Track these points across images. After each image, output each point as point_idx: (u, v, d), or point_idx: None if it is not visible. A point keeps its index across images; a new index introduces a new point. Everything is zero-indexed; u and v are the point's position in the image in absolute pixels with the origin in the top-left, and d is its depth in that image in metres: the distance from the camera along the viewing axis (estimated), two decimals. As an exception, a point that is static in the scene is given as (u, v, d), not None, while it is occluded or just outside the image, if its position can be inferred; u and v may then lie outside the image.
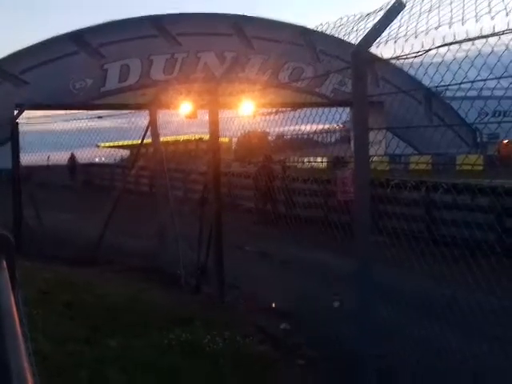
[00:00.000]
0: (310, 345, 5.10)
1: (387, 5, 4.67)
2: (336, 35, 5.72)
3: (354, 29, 5.33)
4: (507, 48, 4.39)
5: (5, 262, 1.90)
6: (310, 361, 4.82)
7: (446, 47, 4.45)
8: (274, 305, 6.90)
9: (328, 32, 5.95)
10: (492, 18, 4.05)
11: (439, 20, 4.38)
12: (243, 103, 9.53)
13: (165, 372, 5.06)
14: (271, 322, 5.99)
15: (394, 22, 4.58)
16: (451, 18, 4.30)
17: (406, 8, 4.54)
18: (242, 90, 9.86)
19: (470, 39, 4.28)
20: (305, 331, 5.45)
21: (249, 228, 10.52)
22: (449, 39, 4.34)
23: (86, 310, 6.66)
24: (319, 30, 6.20)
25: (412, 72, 5.24)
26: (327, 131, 13.55)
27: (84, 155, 16.89)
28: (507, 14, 4.15)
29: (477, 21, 4.17)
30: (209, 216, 7.70)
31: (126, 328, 6.11)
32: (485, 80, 4.62)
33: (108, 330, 5.98)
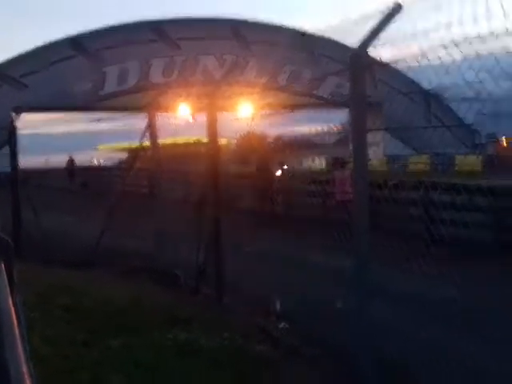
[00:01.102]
0: (310, 344, 5.11)
1: (385, 8, 4.68)
2: (334, 38, 5.75)
3: (353, 32, 5.35)
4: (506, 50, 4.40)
5: (3, 265, 1.90)
6: (309, 360, 4.83)
7: (444, 50, 4.46)
8: (272, 305, 6.91)
9: (327, 35, 5.97)
10: (489, 21, 4.06)
11: (437, 22, 4.39)
12: (242, 106, 9.57)
13: (164, 372, 5.06)
14: (270, 322, 6.00)
15: (393, 24, 4.59)
16: (449, 19, 4.31)
17: (404, 10, 4.55)
18: (240, 93, 9.89)
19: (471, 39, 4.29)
20: (304, 330, 5.46)
21: (248, 229, 10.51)
22: (446, 41, 4.35)
23: (84, 313, 6.66)
24: (318, 32, 6.23)
25: (411, 74, 5.26)
26: (326, 133, 13.56)
27: (83, 158, 16.91)
28: (505, 16, 4.17)
29: (474, 23, 4.18)
30: (208, 217, 7.72)
31: (125, 329, 6.11)
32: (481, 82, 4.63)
33: (107, 331, 5.98)
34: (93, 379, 4.83)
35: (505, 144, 34.73)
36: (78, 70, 36.68)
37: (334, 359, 4.41)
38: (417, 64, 4.79)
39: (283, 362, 4.64)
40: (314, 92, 37.45)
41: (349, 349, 4.13)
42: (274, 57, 36.02)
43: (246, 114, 9.69)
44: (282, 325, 5.68)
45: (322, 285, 6.38)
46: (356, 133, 4.57)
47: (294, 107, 33.47)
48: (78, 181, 29.98)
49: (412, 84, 34.22)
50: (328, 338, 4.89)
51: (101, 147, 42.60)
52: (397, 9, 4.62)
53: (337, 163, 13.96)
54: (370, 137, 4.96)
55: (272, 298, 6.73)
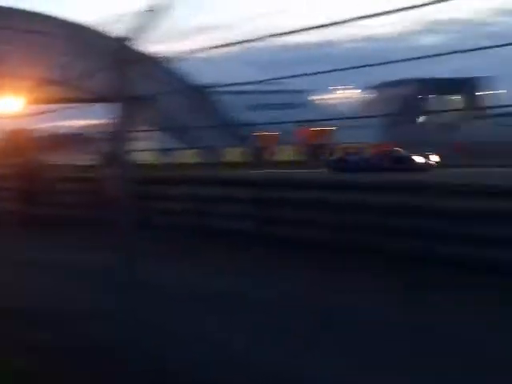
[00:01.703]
0: (76, 351, 4.91)
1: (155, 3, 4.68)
2: (107, 31, 5.62)
3: (124, 26, 5.31)
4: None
5: None
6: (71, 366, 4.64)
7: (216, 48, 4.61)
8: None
9: (100, 28, 5.83)
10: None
11: (207, 20, 4.52)
12: (6, 100, 8.94)
13: None
14: (28, 332, 5.54)
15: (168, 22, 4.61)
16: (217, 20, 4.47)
17: (176, 8, 4.58)
18: (4, 86, 9.25)
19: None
20: (62, 337, 5.21)
21: (6, 231, 9.74)
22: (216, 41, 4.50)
23: None
24: (90, 25, 6.04)
25: (182, 70, 5.35)
26: (96, 127, 13.24)
27: None
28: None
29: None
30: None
31: None
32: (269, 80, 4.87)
33: None
34: None
35: (266, 136, 37.61)
36: None
37: (92, 366, 4.32)
38: (188, 60, 4.90)
39: (44, 373, 4.41)
40: (86, 85, 36.47)
41: (117, 349, 4.09)
42: (43, 47, 34.25)
43: (12, 109, 9.06)
44: (40, 334, 5.34)
45: (83, 286, 6.23)
46: (121, 128, 4.51)
47: (66, 101, 32.13)
48: None
49: (184, 79, 34.82)
50: (89, 344, 4.76)
51: None
52: (166, 5, 4.65)
53: (108, 159, 13.73)
54: (142, 131, 4.94)
55: (24, 304, 6.24)
